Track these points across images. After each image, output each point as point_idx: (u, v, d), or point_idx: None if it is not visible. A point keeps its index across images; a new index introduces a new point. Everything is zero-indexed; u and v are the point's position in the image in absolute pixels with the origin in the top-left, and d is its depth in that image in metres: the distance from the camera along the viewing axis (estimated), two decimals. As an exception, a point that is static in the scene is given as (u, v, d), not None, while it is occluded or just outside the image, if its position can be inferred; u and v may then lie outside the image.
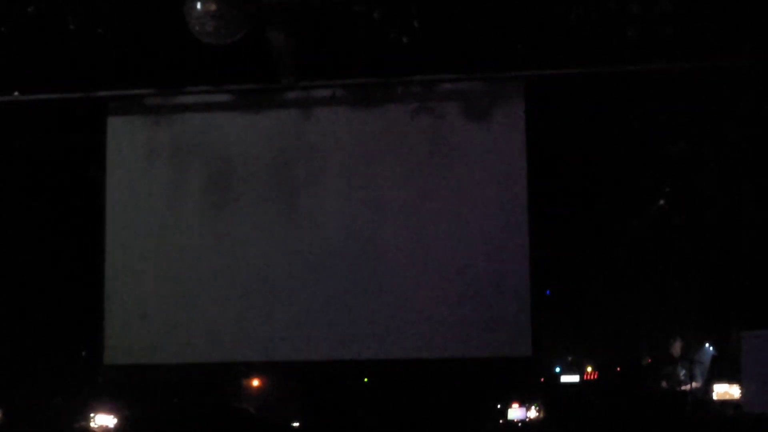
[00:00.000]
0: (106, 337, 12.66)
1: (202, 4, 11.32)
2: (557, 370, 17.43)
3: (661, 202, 14.77)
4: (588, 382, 17.22)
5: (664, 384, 14.57)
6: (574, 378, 17.23)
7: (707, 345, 15.20)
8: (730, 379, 14.35)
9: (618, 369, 16.80)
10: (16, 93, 12.79)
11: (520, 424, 16.87)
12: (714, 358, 14.94)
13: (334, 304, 12.42)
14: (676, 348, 14.81)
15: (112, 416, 13.46)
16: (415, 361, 14.89)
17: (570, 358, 17.39)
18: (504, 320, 12.18)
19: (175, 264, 12.78)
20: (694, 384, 14.49)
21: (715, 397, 14.36)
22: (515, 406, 14.57)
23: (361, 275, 12.44)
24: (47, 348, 14.28)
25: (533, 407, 15.80)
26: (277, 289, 12.51)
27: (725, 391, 13.99)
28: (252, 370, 15.51)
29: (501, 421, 17.29)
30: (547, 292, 14.73)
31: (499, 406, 14.71)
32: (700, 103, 12.65)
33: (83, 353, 14.96)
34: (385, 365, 16.15)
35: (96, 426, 13.39)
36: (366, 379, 16.23)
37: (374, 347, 12.34)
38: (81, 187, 13.67)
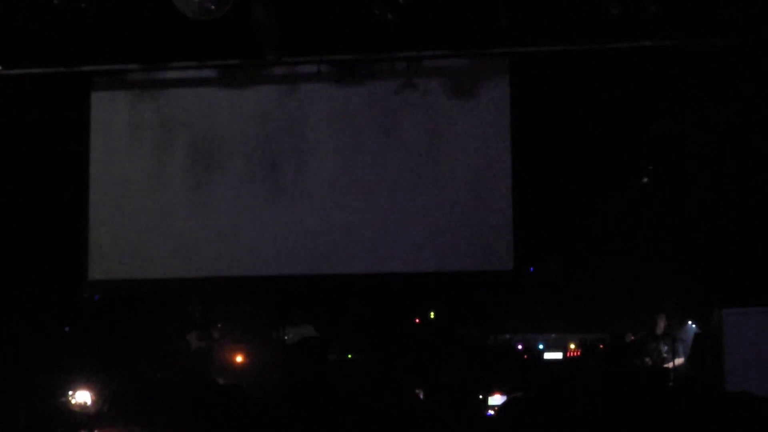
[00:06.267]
0: (90, 252, 12.89)
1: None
2: (540, 347, 17.49)
3: (645, 179, 14.81)
4: (571, 359, 17.27)
5: (647, 360, 14.64)
6: (558, 355, 17.29)
7: (690, 322, 15.25)
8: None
9: (601, 346, 16.85)
10: (-1, 67, 12.78)
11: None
12: (696, 335, 15.00)
13: (320, 224, 12.62)
14: (660, 325, 14.84)
15: (91, 393, 13.47)
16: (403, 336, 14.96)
17: (553, 335, 17.45)
18: (486, 235, 12.41)
19: (157, 235, 12.87)
20: (677, 361, 14.55)
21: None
22: (497, 396, 14.68)
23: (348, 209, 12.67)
24: (29, 325, 14.27)
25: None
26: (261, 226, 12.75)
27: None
28: (232, 341, 15.59)
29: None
30: (531, 269, 14.73)
31: (480, 396, 14.81)
32: (684, 81, 12.69)
33: (66, 329, 14.96)
34: (371, 343, 16.21)
35: (75, 402, 13.39)
36: (350, 356, 16.26)
37: (361, 262, 12.56)
38: (64, 161, 13.64)
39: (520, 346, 17.90)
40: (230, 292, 13.41)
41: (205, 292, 13.94)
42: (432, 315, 17.06)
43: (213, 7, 11.29)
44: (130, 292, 13.18)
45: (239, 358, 15.47)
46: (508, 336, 17.66)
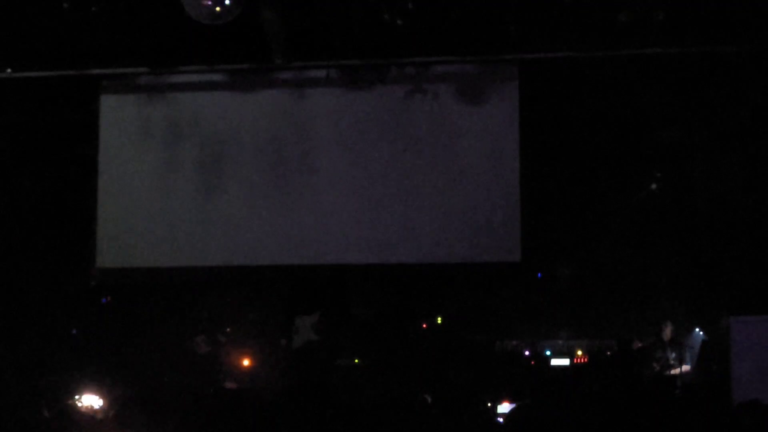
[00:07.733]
0: (98, 242, 13.01)
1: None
2: (547, 353, 17.47)
3: (653, 186, 14.79)
4: (578, 365, 17.24)
5: (655, 366, 14.60)
6: (564, 361, 17.24)
7: (697, 330, 15.24)
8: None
9: (608, 353, 16.82)
10: (9, 70, 12.78)
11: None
12: (703, 343, 14.98)
13: (327, 218, 12.69)
14: (667, 332, 14.82)
15: (98, 397, 13.48)
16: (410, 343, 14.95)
17: (560, 342, 17.43)
18: (493, 227, 12.46)
19: (164, 228, 12.92)
20: (683, 368, 14.53)
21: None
22: (506, 404, 14.65)
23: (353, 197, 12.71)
24: (35, 327, 14.29)
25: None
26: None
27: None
28: (240, 344, 15.60)
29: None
30: (539, 275, 14.73)
31: (489, 404, 14.80)
32: (691, 88, 12.69)
33: (73, 331, 14.97)
34: (378, 348, 16.20)
35: (82, 406, 13.40)
36: (357, 360, 16.25)
37: (370, 253, 12.64)
38: (73, 164, 13.67)
39: (527, 353, 17.87)
40: (235, 281, 13.47)
41: (210, 282, 13.97)
42: (439, 320, 17.03)
43: (223, 11, 11.31)
44: (137, 280, 13.23)
45: (246, 362, 15.46)
46: (515, 342, 17.63)
